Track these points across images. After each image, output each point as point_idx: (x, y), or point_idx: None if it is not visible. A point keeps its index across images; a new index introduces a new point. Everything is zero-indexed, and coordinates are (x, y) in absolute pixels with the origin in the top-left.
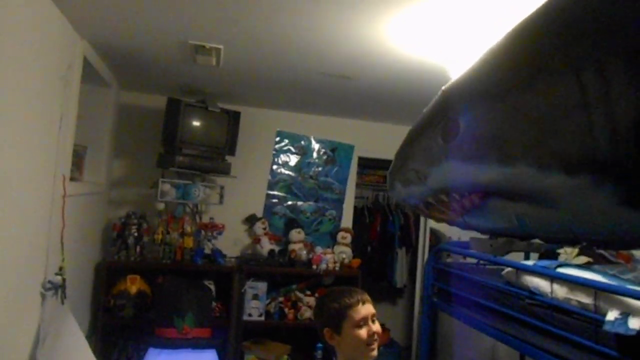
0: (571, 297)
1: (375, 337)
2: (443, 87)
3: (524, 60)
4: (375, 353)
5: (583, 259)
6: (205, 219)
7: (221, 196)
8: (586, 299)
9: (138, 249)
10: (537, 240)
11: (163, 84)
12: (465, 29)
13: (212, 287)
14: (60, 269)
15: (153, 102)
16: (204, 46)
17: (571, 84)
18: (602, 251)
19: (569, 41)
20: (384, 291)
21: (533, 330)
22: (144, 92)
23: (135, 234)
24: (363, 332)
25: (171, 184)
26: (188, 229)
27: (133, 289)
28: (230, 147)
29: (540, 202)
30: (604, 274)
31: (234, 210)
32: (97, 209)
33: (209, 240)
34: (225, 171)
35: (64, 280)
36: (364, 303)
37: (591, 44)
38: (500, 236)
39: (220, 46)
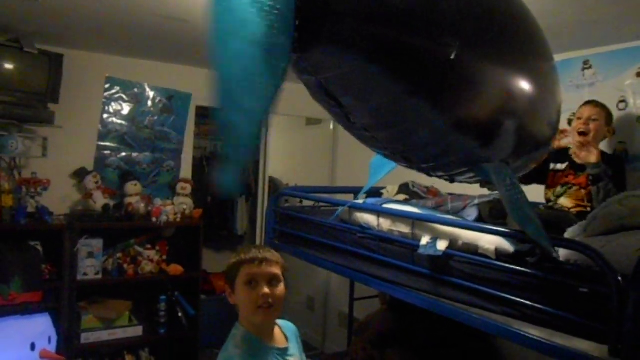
0: (394, 228)
1: (268, 300)
2: None
3: None
4: (262, 318)
5: (402, 197)
6: (27, 174)
7: (44, 148)
8: (405, 229)
9: None
10: None
11: None
12: None
13: (40, 247)
14: None
15: None
16: None
17: None
18: (416, 190)
19: None
20: (225, 240)
21: (363, 260)
22: None
23: None
24: (251, 292)
25: None
26: (6, 185)
27: None
28: (53, 94)
29: None
30: (418, 206)
31: (61, 164)
32: None
33: (32, 198)
34: (47, 120)
35: None
36: (260, 262)
37: None
38: None
39: None
